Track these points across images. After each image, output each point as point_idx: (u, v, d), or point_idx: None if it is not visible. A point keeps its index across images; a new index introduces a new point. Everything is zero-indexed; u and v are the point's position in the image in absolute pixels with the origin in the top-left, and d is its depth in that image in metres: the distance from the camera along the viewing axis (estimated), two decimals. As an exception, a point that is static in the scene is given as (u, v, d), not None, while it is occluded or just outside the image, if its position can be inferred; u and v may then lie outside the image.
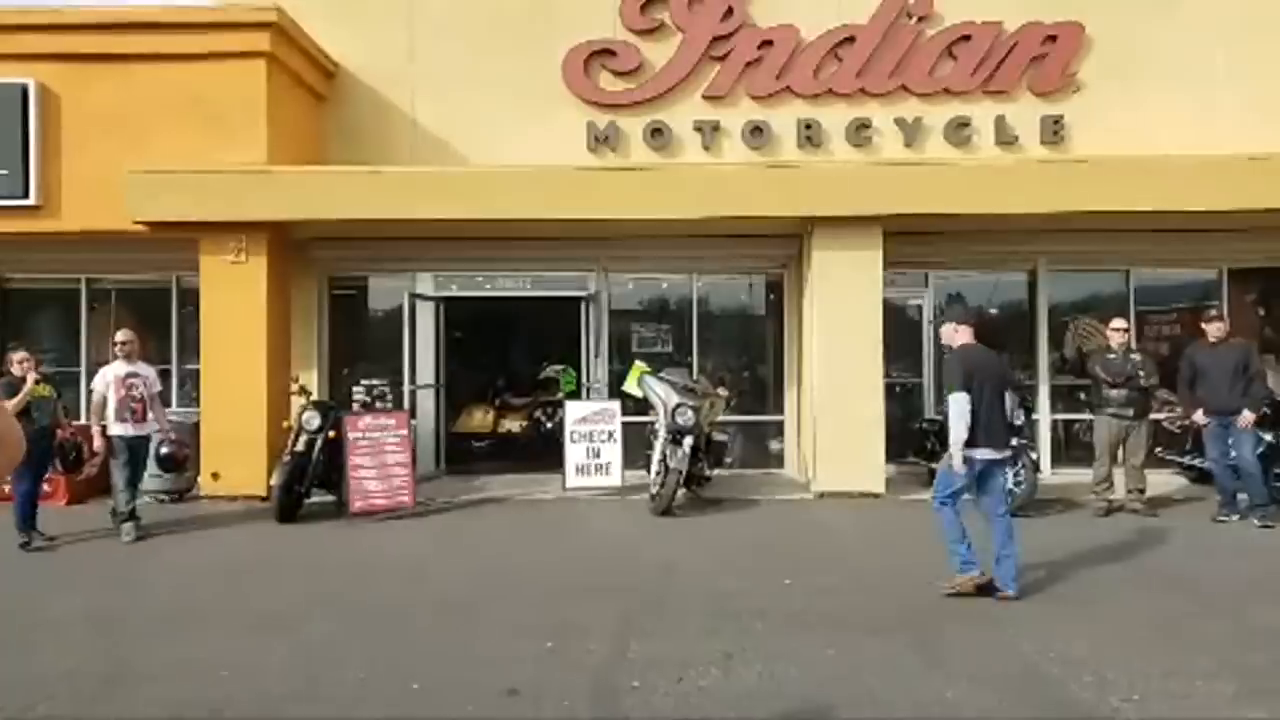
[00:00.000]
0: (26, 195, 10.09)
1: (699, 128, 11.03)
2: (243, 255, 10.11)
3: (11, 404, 7.22)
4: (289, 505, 8.84)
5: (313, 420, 9.10)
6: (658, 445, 8.87)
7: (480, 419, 12.65)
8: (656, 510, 8.60)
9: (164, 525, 8.51)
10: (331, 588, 6.44)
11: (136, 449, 8.18)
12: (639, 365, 9.55)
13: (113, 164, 9.82)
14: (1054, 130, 10.73)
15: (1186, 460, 9.53)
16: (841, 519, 8.47)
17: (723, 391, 9.52)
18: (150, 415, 8.25)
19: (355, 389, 11.25)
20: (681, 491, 8.89)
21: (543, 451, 11.94)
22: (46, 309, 12.04)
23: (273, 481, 8.89)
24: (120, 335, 8.36)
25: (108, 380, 8.11)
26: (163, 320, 11.55)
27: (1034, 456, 8.32)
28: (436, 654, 4.99)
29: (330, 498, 9.30)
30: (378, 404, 10.87)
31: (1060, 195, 9.22)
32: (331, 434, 9.11)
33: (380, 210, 9.74)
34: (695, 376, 9.96)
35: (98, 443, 8.11)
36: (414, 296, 10.87)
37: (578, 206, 9.61)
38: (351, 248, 11.08)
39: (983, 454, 5.82)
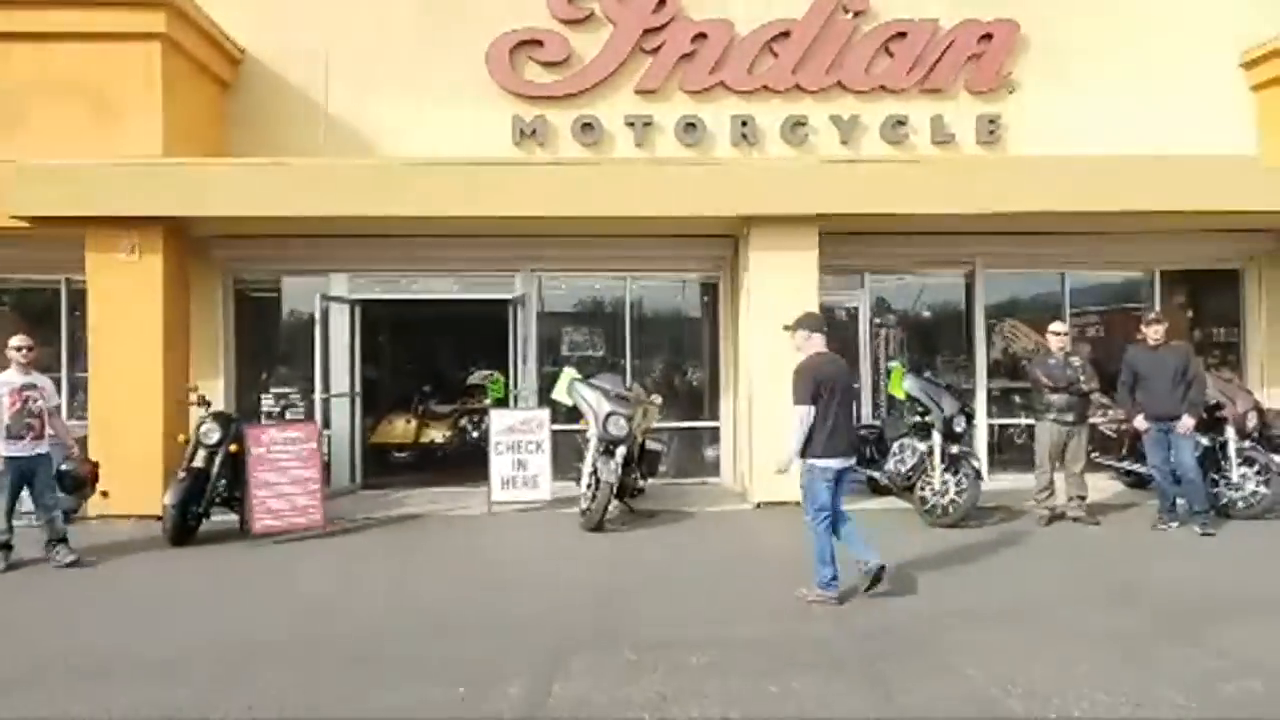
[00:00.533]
0: (-114, 186, 9.11)
1: (631, 123, 10.57)
2: (135, 253, 9.30)
3: None
4: (183, 527, 8.13)
5: (211, 433, 8.39)
6: (588, 456, 8.37)
7: (401, 429, 11.98)
8: (587, 526, 8.10)
9: (42, 550, 7.68)
10: (219, 624, 5.79)
11: (32, 471, 7.30)
12: (569, 371, 9.03)
13: (-6, 157, 8.97)
14: (990, 130, 10.54)
15: (1124, 465, 9.39)
16: (779, 532, 8.07)
17: (656, 398, 9.06)
18: (49, 432, 7.43)
19: (264, 398, 10.55)
20: (614, 504, 8.40)
21: (468, 463, 11.33)
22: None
23: (165, 500, 8.13)
24: (17, 340, 7.45)
25: (1, 392, 7.25)
26: (51, 324, 10.65)
27: (976, 465, 8.05)
28: (334, 704, 4.41)
29: (233, 517, 8.59)
30: (288, 414, 10.17)
31: (1001, 195, 9.00)
32: (233, 448, 8.42)
33: (287, 206, 9.05)
34: (629, 383, 9.46)
35: None
36: (327, 299, 10.17)
37: (503, 203, 9.05)
38: (258, 246, 10.33)
39: (834, 463, 5.83)
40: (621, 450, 8.29)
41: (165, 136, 9.39)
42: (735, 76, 10.56)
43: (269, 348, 11.20)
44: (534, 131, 10.52)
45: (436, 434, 12.14)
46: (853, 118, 10.57)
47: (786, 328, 6.25)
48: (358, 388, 10.64)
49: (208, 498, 8.30)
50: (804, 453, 5.82)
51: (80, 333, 10.28)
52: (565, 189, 9.10)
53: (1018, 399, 11.05)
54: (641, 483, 8.86)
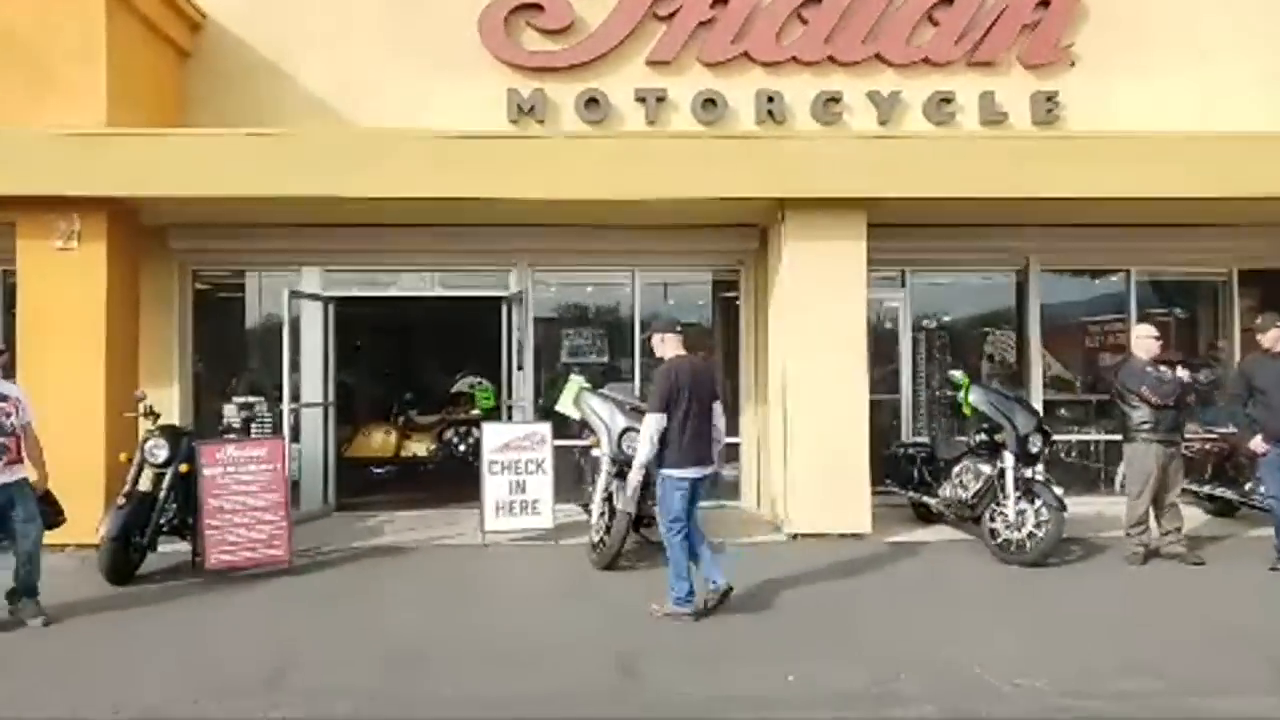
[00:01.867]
0: None
1: (642, 98, 9.36)
2: (73, 241, 8.02)
3: None
4: (124, 561, 6.90)
5: (159, 451, 7.16)
6: (600, 479, 7.16)
7: (380, 441, 10.75)
8: (600, 563, 6.89)
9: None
10: (150, 691, 4.60)
11: (8, 503, 5.84)
12: (576, 380, 7.79)
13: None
14: (1047, 109, 9.39)
15: (1208, 490, 8.27)
16: (829, 572, 6.89)
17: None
18: (23, 454, 5.97)
19: (226, 409, 9.27)
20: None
21: (455, 480, 10.15)
22: None
23: (102, 531, 6.87)
24: None
25: None
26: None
27: (1058, 493, 6.88)
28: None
29: (184, 547, 7.36)
30: (254, 428, 8.90)
31: (1094, 178, 7.80)
32: (184, 468, 7.20)
33: (246, 184, 7.78)
34: (640, 394, 8.22)
35: None
36: (296, 295, 8.92)
37: (494, 183, 7.82)
38: (220, 236, 9.08)
39: (691, 473, 5.67)
40: (639, 473, 7.09)
41: (110, 107, 8.10)
42: (760, 46, 9.37)
43: (233, 352, 9.95)
44: (532, 107, 9.31)
45: (419, 447, 10.92)
46: (892, 94, 9.40)
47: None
48: (332, 396, 9.39)
49: (153, 526, 7.07)
50: (660, 461, 5.68)
51: (14, 333, 9.03)
52: (567, 167, 7.90)
53: (1063, 411, 9.96)
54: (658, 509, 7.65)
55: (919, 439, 8.95)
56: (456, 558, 7.56)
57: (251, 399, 9.26)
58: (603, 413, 7.29)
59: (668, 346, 5.87)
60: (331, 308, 9.34)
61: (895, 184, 7.80)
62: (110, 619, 5.97)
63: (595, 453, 7.70)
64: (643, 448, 5.67)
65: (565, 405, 7.82)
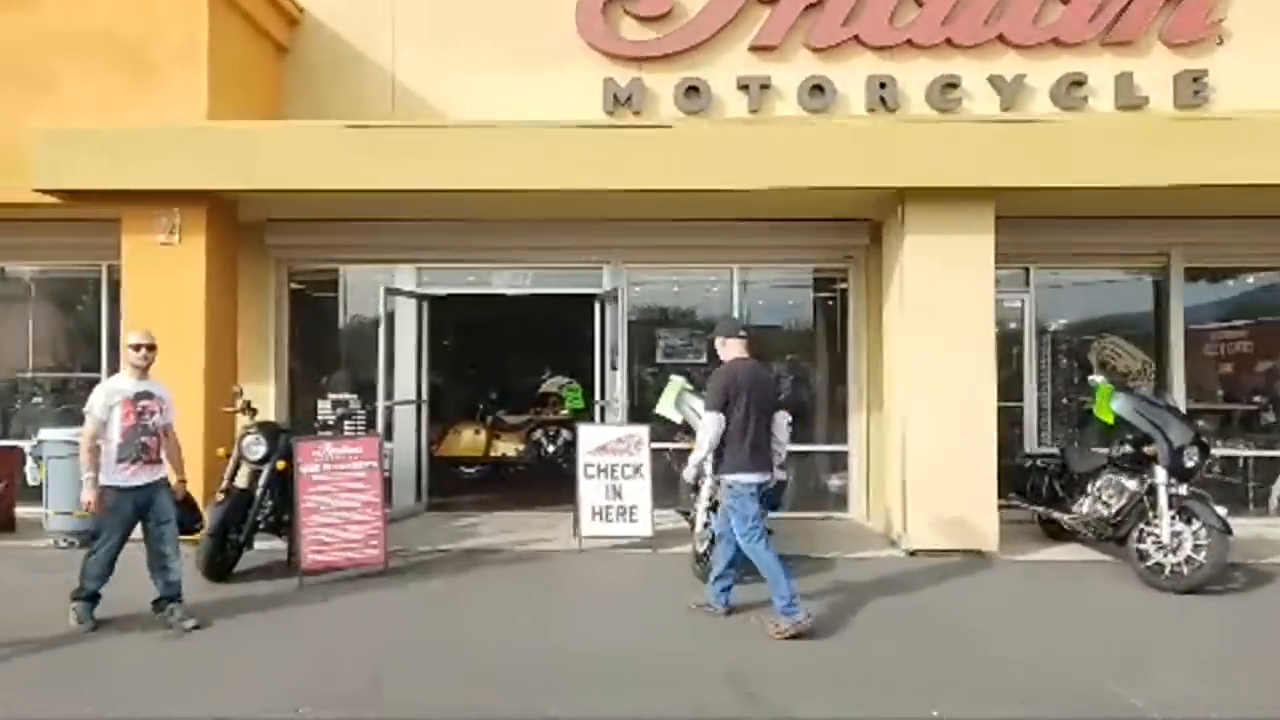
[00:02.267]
0: (-83, 160, 7.97)
1: (744, 85, 8.93)
2: (175, 235, 8.00)
3: None
4: (221, 559, 6.80)
5: (256, 448, 7.05)
6: (704, 488, 6.75)
7: (470, 441, 10.54)
8: (705, 576, 6.48)
9: (51, 574, 6.36)
10: (249, 698, 4.38)
11: (147, 504, 5.61)
12: (677, 381, 7.39)
13: (17, 123, 7.78)
14: (1194, 90, 8.63)
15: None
16: (956, 593, 6.35)
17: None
18: (162, 455, 5.76)
19: (320, 405, 9.18)
20: (734, 547, 6.77)
21: (544, 482, 9.88)
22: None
23: (205, 526, 6.78)
24: (135, 336, 5.78)
25: (112, 402, 5.54)
26: (92, 318, 9.47)
27: (1221, 513, 6.18)
28: None
29: (280, 545, 7.23)
30: (347, 425, 8.78)
31: (1239, 163, 7.07)
32: (281, 465, 7.07)
33: (343, 178, 7.60)
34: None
35: (86, 495, 5.47)
36: (392, 292, 8.76)
37: (595, 174, 7.47)
38: (315, 232, 8.99)
39: (754, 477, 5.51)
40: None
41: (211, 102, 8.08)
42: (872, 30, 8.85)
43: (325, 348, 9.87)
44: (630, 97, 8.97)
45: (508, 448, 10.68)
46: (1017, 78, 8.76)
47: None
48: (424, 394, 9.21)
49: (250, 523, 6.96)
50: (719, 469, 5.62)
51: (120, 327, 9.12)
52: (670, 156, 7.50)
53: (1202, 423, 9.13)
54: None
55: (1048, 449, 8.29)
56: (552, 564, 7.25)
57: (346, 396, 9.16)
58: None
59: (729, 350, 5.71)
60: (425, 305, 9.16)
61: (1027, 172, 7.18)
62: (207, 619, 5.81)
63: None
64: (699, 448, 5.61)
65: (666, 408, 7.43)
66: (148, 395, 5.67)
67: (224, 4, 8.29)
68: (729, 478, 5.54)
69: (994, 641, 5.33)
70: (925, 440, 7.35)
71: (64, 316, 9.96)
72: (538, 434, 10.77)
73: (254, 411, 7.67)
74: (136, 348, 5.71)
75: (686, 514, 7.26)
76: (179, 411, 6.06)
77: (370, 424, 8.72)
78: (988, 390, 7.34)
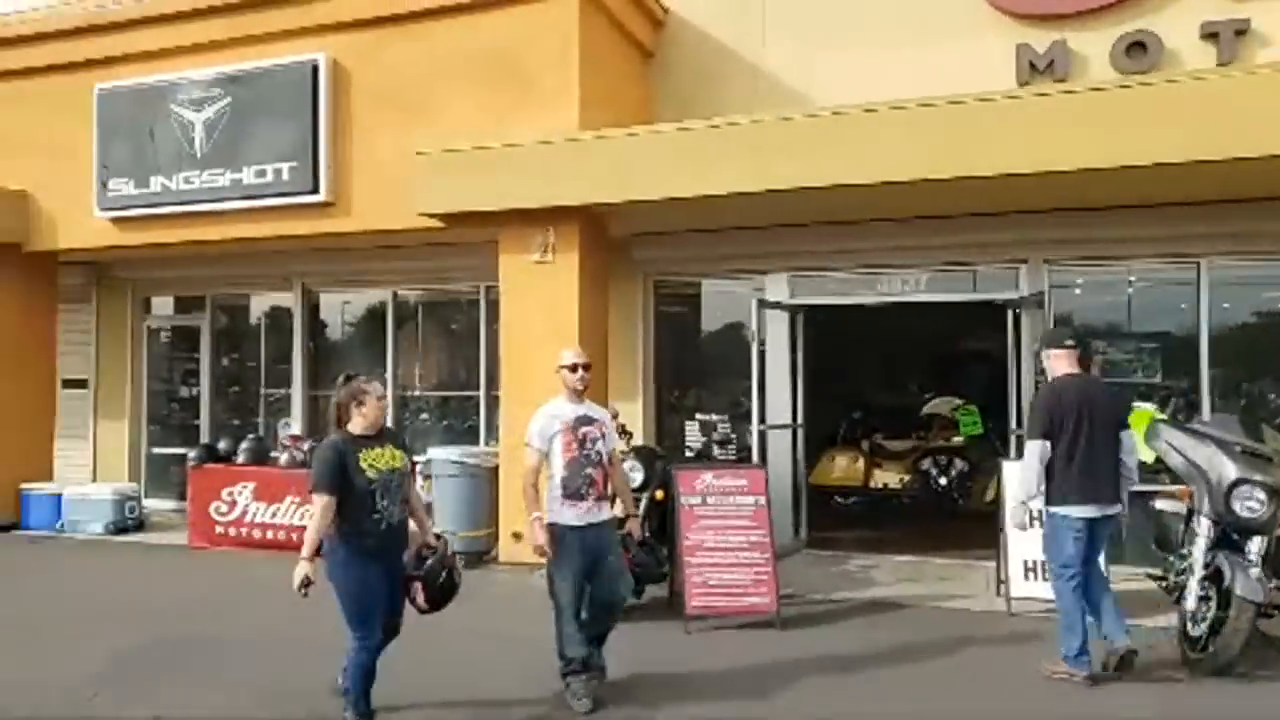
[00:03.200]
0: (316, 190, 8.50)
1: (1211, 34, 7.10)
2: (549, 253, 7.78)
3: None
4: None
5: (634, 474, 6.53)
6: (1197, 547, 5.14)
7: (846, 469, 9.48)
8: (1211, 667, 4.88)
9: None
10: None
11: (597, 549, 4.68)
12: (1146, 408, 5.78)
13: (404, 148, 7.99)
14: None
15: None
16: None
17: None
18: (609, 489, 4.87)
19: (688, 427, 8.62)
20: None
21: (933, 519, 8.57)
22: (352, 327, 10.69)
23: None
24: (572, 355, 4.96)
25: (551, 430, 4.79)
26: (471, 340, 9.69)
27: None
28: None
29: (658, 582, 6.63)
30: (718, 450, 8.10)
31: None
32: (659, 494, 6.49)
33: (727, 180, 6.89)
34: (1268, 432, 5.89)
35: (539, 536, 4.63)
36: (765, 305, 7.95)
37: (1008, 155, 6.13)
38: (682, 244, 8.52)
39: (1085, 511, 4.84)
40: (1258, 543, 4.99)
41: (582, 114, 7.79)
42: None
43: (687, 366, 9.32)
44: (1050, 63, 7.50)
45: (890, 478, 9.47)
46: None
47: None
48: (800, 417, 8.29)
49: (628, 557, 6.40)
50: (1045, 496, 5.01)
51: (498, 349, 9.20)
52: (1106, 126, 5.97)
53: None
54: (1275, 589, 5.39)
55: None
56: (977, 629, 5.95)
57: (714, 417, 8.52)
58: (1197, 455, 5.24)
59: (1056, 364, 5.10)
60: (799, 317, 8.27)
61: None
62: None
63: (1172, 506, 5.69)
64: (1022, 480, 5.09)
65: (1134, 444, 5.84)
66: (588, 420, 4.85)
67: (593, 11, 8.00)
68: (1051, 509, 4.97)
69: None
70: None
71: (447, 337, 10.31)
72: (925, 463, 9.43)
73: (629, 435, 7.22)
74: (573, 368, 4.87)
75: (1161, 579, 5.66)
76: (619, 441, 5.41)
77: (740, 448, 7.98)
78: None
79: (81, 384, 11.10)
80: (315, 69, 8.49)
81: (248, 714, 4.73)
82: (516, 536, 7.60)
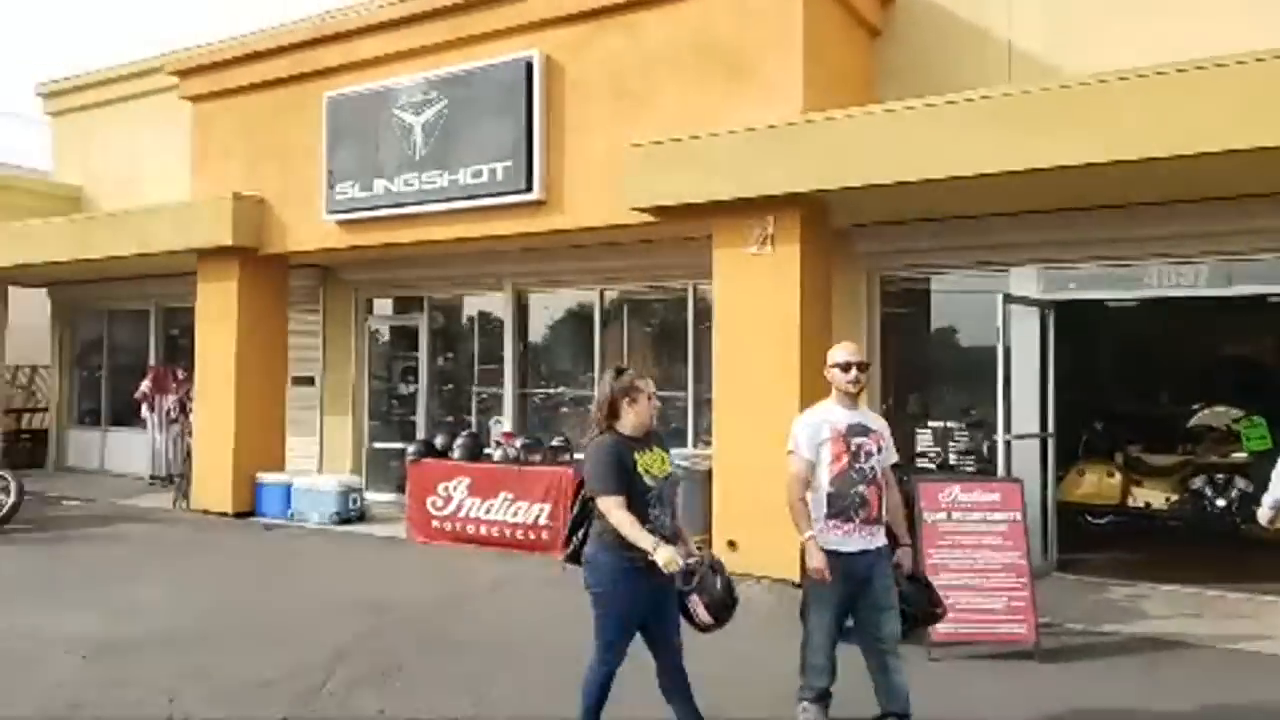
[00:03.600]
0: (530, 189, 8.44)
1: None
2: (767, 245, 7.32)
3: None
4: (835, 617, 5.77)
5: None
6: None
7: (1099, 484, 8.44)
8: None
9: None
10: None
11: (864, 581, 4.07)
12: None
13: (617, 142, 7.80)
14: None
15: None
16: None
17: None
18: (883, 511, 4.18)
19: (919, 434, 7.94)
20: None
21: (1206, 544, 7.45)
22: (559, 327, 10.67)
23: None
24: (845, 353, 4.29)
25: (820, 437, 4.16)
26: (678, 339, 9.40)
27: None
28: None
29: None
30: (955, 461, 7.39)
31: None
32: (901, 508, 5.88)
33: (978, 160, 6.18)
34: None
35: (816, 558, 4.00)
36: (1011, 300, 7.15)
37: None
38: (911, 235, 7.84)
39: None
40: None
41: (806, 98, 7.29)
42: None
43: (915, 368, 8.61)
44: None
45: (1153, 496, 8.34)
46: None
47: None
48: (1050, 426, 7.41)
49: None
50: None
51: (708, 348, 8.84)
52: None
53: None
54: None
55: None
56: (1272, 670, 4.99)
57: (949, 425, 7.79)
58: None
59: None
60: (1050, 315, 7.40)
61: None
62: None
63: None
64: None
65: None
66: (862, 430, 4.17)
67: (817, -11, 7.49)
68: None
69: None
70: None
71: (653, 337, 10.09)
72: (1197, 481, 8.24)
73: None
74: (846, 367, 4.21)
75: None
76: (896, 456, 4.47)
77: (980, 459, 7.22)
78: None
79: (309, 381, 11.69)
80: (529, 66, 8.44)
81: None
82: (732, 545, 7.22)
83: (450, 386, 11.21)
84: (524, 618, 6.39)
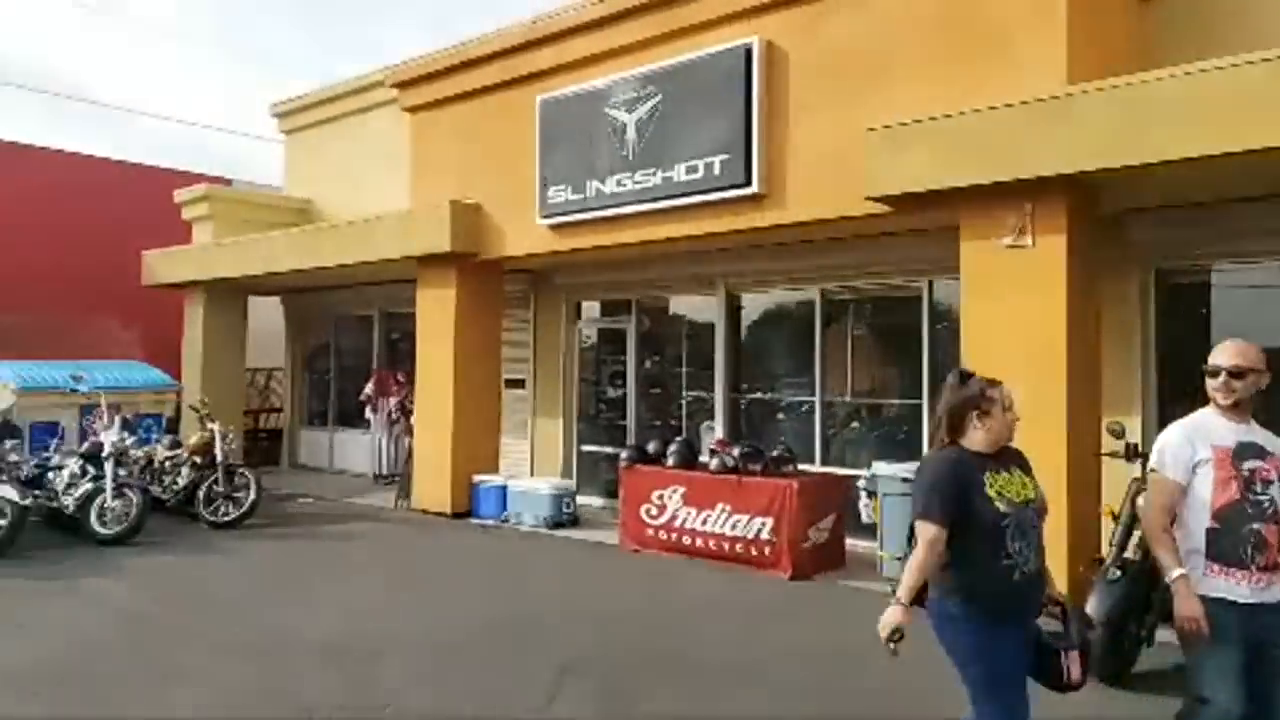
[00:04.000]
0: (748, 182, 8.00)
1: None
2: (1026, 236, 6.51)
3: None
4: (1116, 656, 5.10)
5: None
6: None
7: None
8: None
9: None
10: None
11: (1258, 640, 3.21)
12: None
13: (845, 129, 7.22)
14: None
15: None
16: None
17: None
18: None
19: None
20: None
21: None
22: (774, 328, 10.16)
23: (1092, 610, 5.07)
24: (1229, 354, 3.41)
25: (1198, 457, 3.33)
26: (911, 340, 8.67)
27: None
28: None
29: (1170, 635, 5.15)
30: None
31: None
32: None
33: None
34: None
35: (1189, 605, 3.22)
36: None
37: None
38: (1193, 222, 6.79)
39: None
40: None
41: (1069, 69, 6.44)
42: None
43: (1190, 370, 7.46)
44: None
45: None
46: None
47: None
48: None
49: (1155, 613, 5.07)
50: None
51: (944, 351, 8.09)
52: None
53: None
54: None
55: None
56: None
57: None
58: None
59: None
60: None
61: None
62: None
63: None
64: None
65: None
66: (1258, 451, 3.31)
67: (1073, -52, 6.60)
68: None
69: None
70: None
71: (881, 339, 9.40)
72: None
73: (1144, 458, 5.75)
74: (1231, 374, 3.37)
75: None
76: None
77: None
78: None
79: (519, 384, 11.76)
80: (748, 53, 7.99)
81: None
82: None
83: (657, 390, 10.95)
84: (752, 639, 5.95)
